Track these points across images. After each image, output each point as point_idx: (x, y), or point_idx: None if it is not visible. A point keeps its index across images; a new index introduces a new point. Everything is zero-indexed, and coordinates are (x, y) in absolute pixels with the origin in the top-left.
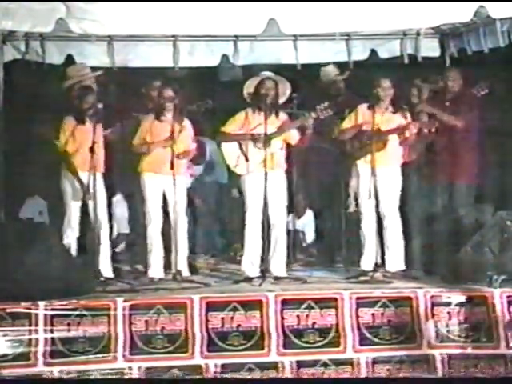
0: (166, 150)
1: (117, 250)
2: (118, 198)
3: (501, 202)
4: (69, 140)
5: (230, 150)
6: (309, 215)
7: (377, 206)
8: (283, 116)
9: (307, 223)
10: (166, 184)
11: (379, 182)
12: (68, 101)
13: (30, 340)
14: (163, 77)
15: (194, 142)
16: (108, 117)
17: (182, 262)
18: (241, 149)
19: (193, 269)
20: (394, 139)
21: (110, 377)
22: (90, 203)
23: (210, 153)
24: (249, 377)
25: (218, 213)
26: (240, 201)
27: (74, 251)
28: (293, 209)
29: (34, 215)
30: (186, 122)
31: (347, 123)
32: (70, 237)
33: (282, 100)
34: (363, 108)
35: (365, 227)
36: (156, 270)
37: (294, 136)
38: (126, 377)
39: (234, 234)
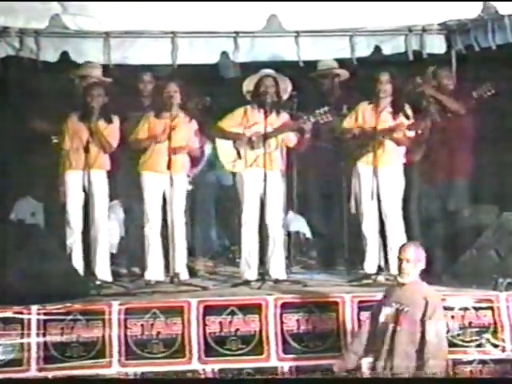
0: (164, 148)
1: (113, 251)
2: (115, 203)
3: (506, 203)
4: (67, 137)
5: (224, 146)
6: (310, 216)
7: (379, 206)
8: (284, 116)
9: (308, 225)
10: (165, 184)
11: (381, 183)
12: (71, 96)
13: (23, 345)
14: (161, 74)
15: (196, 138)
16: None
17: (180, 265)
18: (235, 146)
19: (190, 271)
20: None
21: (104, 383)
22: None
23: (209, 153)
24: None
25: (217, 214)
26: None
27: (76, 253)
28: (293, 210)
29: (25, 217)
30: (187, 119)
31: (348, 123)
32: (71, 238)
33: (282, 98)
34: (364, 106)
35: (367, 229)
36: (154, 272)
37: (291, 138)
38: (121, 383)
39: (232, 235)
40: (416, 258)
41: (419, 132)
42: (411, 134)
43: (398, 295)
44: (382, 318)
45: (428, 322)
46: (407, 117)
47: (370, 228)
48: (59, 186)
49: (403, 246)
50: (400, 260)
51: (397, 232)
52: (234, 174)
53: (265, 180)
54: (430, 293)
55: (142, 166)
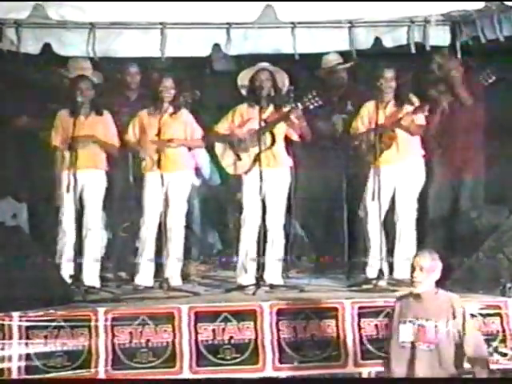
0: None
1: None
2: None
3: None
4: (57, 134)
5: (223, 150)
6: (308, 218)
7: (393, 206)
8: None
9: (306, 227)
10: (164, 183)
11: (396, 181)
12: (56, 90)
13: (3, 354)
14: (150, 67)
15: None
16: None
17: (173, 270)
18: (232, 147)
19: (181, 276)
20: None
21: None
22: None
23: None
24: None
25: (208, 216)
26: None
27: (67, 257)
28: (292, 211)
29: (5, 219)
30: (183, 111)
31: (355, 129)
32: (62, 241)
33: (279, 92)
34: (368, 106)
35: (371, 231)
36: (145, 277)
37: (291, 131)
38: None
39: (227, 238)
40: (430, 267)
41: (427, 115)
42: (421, 120)
43: (416, 310)
44: (402, 338)
45: (464, 336)
46: (412, 105)
47: (373, 230)
48: (57, 188)
49: (418, 253)
50: (413, 267)
51: (408, 234)
52: (232, 175)
53: (265, 179)
54: (454, 299)
55: (143, 167)
